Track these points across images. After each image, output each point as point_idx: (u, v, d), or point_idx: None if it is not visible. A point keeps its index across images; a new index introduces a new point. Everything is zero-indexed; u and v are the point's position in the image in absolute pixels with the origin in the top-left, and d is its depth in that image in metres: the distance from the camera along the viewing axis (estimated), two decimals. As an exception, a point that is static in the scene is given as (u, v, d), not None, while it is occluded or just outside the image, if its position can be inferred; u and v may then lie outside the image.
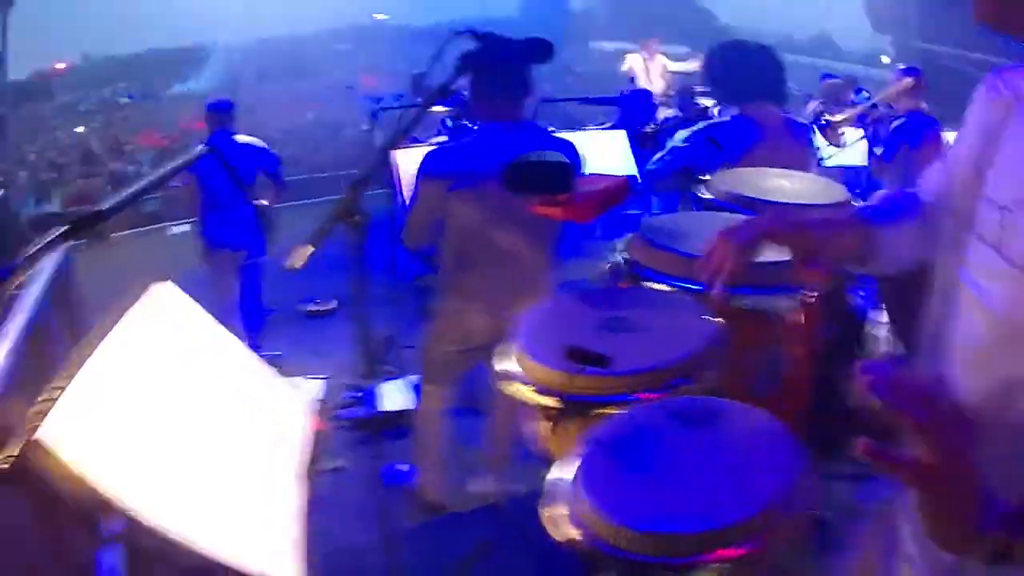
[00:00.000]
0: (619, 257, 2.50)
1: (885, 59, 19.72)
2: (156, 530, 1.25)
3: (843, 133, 6.59)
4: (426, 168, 3.70)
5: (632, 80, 12.10)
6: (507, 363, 2.05)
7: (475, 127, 3.79)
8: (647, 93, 8.38)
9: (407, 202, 4.11)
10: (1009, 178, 1.29)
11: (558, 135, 4.17)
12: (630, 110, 7.06)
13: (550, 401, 1.87)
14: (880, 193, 1.90)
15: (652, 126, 5.11)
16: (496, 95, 3.66)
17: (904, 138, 6.13)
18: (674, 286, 2.31)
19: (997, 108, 1.38)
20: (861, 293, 5.43)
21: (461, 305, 3.92)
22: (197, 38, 23.06)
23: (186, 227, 6.83)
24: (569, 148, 3.84)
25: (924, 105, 6.36)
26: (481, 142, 3.73)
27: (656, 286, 2.36)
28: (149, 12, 19.96)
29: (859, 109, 6.71)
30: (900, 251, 1.68)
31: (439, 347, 4.13)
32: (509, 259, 3.80)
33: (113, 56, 21.74)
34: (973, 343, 1.34)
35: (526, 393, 1.93)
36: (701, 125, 4.08)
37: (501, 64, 3.60)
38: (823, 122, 6.57)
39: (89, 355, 1.36)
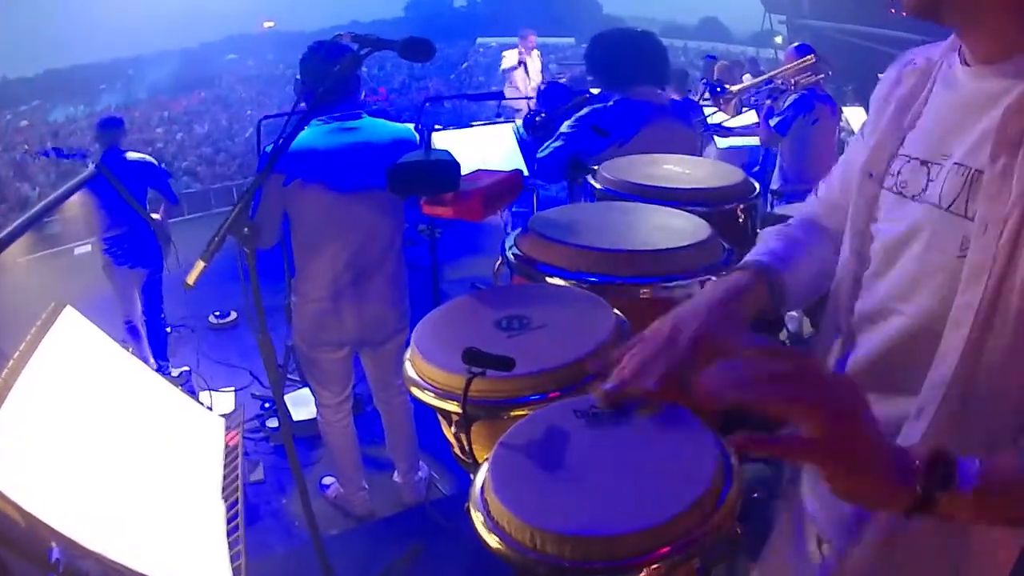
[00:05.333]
0: (510, 253, 2.45)
1: (778, 39, 20.10)
2: (94, 554, 1.26)
3: (735, 102, 6.65)
4: (260, 167, 3.72)
5: (510, 76, 12.07)
6: (407, 366, 1.99)
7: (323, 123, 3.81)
8: (561, 85, 8.37)
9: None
10: (931, 135, 1.43)
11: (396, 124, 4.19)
12: (548, 103, 7.03)
13: (451, 406, 1.81)
14: (775, 231, 1.93)
15: (543, 115, 5.11)
16: (322, 91, 3.69)
17: (800, 111, 6.22)
18: (569, 279, 2.27)
19: (911, 77, 1.52)
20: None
21: (313, 299, 3.97)
22: (93, 57, 22.62)
23: (88, 247, 6.72)
24: (407, 135, 3.98)
25: (821, 82, 6.49)
26: (311, 136, 3.77)
27: (553, 280, 2.30)
28: (44, 34, 19.51)
29: (756, 81, 6.78)
30: (809, 289, 1.79)
31: (305, 347, 4.16)
32: (351, 248, 3.86)
33: (10, 79, 21.22)
34: (887, 288, 1.48)
35: (426, 398, 1.88)
36: (585, 111, 4.10)
37: (325, 63, 3.67)
38: (719, 90, 6.61)
39: (7, 390, 1.37)
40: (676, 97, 7.65)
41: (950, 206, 1.34)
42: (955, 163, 1.35)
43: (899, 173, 1.47)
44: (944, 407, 1.33)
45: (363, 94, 4.08)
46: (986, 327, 1.27)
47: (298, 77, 4.18)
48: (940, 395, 1.33)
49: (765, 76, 6.74)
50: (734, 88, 6.62)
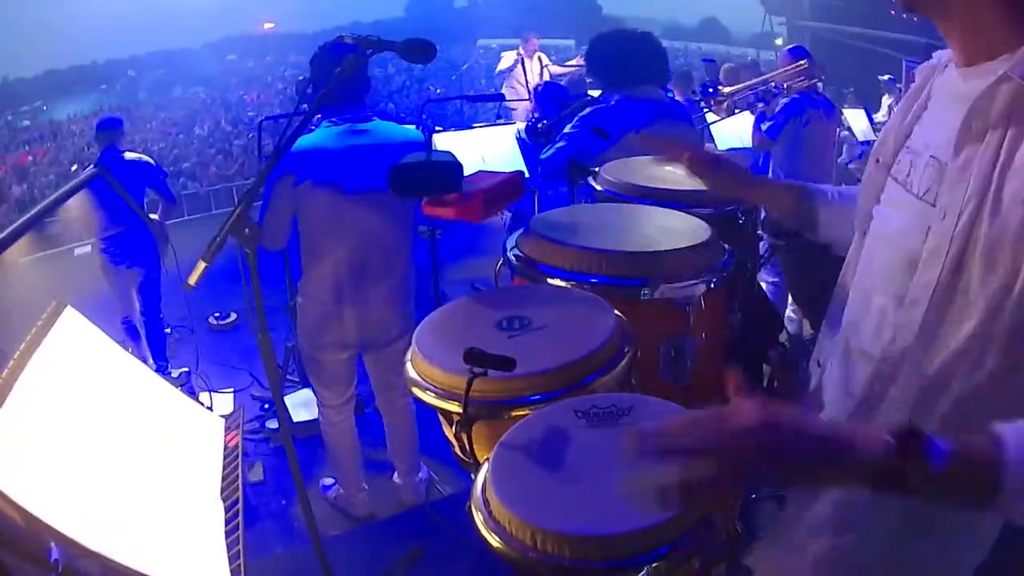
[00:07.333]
0: (511, 254, 2.45)
1: (778, 41, 20.10)
2: (93, 554, 1.26)
3: (727, 104, 6.61)
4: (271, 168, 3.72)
5: (507, 78, 12.00)
6: (409, 367, 2.00)
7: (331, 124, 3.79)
8: (558, 85, 8.33)
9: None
10: (921, 129, 1.56)
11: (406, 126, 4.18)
12: (544, 104, 7.01)
13: (452, 406, 1.81)
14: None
15: (544, 122, 5.11)
16: (333, 92, 3.66)
17: (790, 115, 6.17)
18: (569, 280, 2.27)
19: (924, 76, 1.63)
20: (774, 280, 5.53)
21: (318, 301, 3.95)
22: (93, 57, 22.69)
23: (88, 247, 6.73)
24: (418, 137, 3.95)
25: (819, 85, 6.46)
26: (322, 137, 3.76)
27: (554, 281, 2.30)
28: (44, 34, 19.56)
29: (751, 83, 6.74)
30: (835, 228, 1.98)
31: (309, 348, 4.14)
32: (359, 250, 3.84)
33: (10, 80, 21.27)
34: (877, 267, 1.60)
35: (428, 399, 1.88)
36: (587, 111, 4.10)
37: (337, 62, 3.63)
38: (711, 91, 6.58)
39: (8, 389, 1.37)
40: (679, 98, 7.63)
41: (923, 195, 1.46)
42: (931, 156, 1.46)
43: (901, 163, 1.58)
44: (907, 374, 1.43)
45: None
46: (941, 307, 1.38)
47: (300, 78, 4.17)
48: (903, 362, 1.44)
49: (759, 79, 6.71)
50: (726, 90, 6.58)
